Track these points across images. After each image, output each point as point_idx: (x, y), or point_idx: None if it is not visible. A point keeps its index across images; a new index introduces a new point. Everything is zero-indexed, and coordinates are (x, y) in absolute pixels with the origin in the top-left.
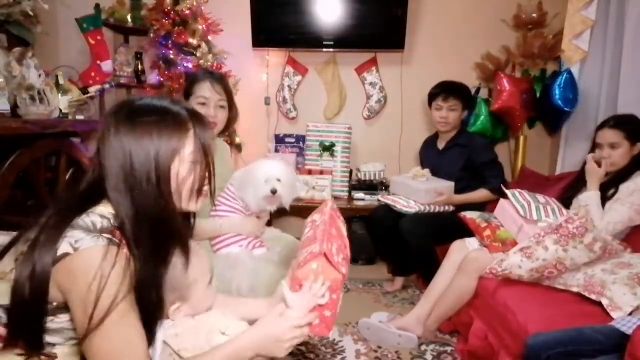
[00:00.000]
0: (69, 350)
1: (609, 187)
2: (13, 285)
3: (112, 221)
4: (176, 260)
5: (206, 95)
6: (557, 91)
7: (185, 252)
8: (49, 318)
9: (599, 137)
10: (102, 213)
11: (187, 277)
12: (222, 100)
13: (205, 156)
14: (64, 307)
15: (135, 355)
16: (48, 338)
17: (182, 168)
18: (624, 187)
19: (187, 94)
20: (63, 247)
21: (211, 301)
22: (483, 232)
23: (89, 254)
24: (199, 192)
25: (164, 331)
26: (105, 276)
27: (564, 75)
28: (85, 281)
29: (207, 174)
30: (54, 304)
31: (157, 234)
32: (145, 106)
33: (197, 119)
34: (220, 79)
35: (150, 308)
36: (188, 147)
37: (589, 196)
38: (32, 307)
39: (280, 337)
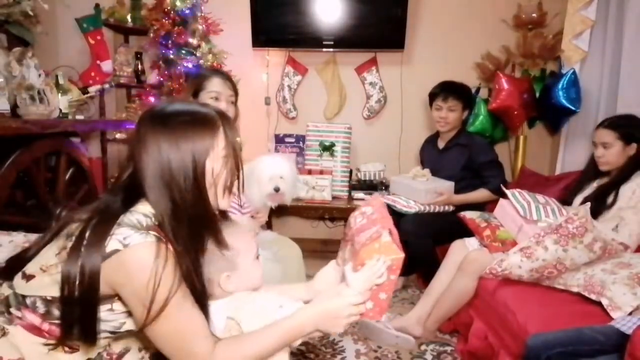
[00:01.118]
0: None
1: (608, 190)
2: (62, 283)
3: (153, 220)
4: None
5: (219, 90)
6: (561, 91)
7: (220, 241)
8: None
9: (594, 136)
10: (144, 212)
11: (233, 246)
12: (232, 96)
13: (234, 151)
14: (105, 299)
15: (197, 333)
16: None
17: (216, 164)
18: (626, 189)
19: (196, 90)
20: (112, 244)
21: (260, 276)
22: (483, 232)
23: (140, 249)
24: (230, 188)
25: (224, 307)
26: (160, 273)
27: (569, 75)
28: (141, 278)
29: (236, 170)
30: (99, 297)
31: (195, 228)
32: (176, 109)
33: (225, 117)
34: (229, 77)
35: (196, 293)
36: (220, 144)
37: None
38: (83, 303)
39: (338, 313)
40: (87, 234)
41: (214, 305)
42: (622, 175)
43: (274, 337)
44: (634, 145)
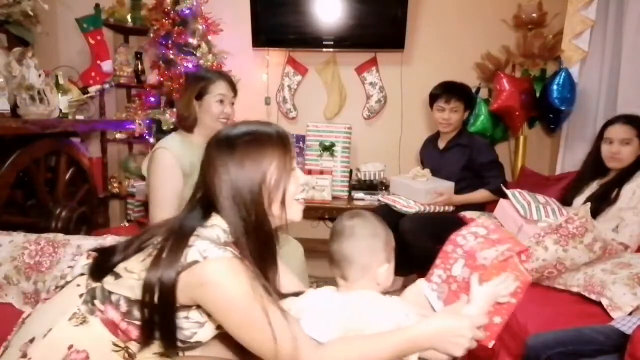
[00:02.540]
0: (150, 354)
1: (611, 189)
2: (143, 289)
3: (229, 236)
4: (381, 223)
5: (225, 93)
6: (554, 90)
7: (274, 259)
8: None
9: (609, 132)
10: (222, 227)
11: (392, 241)
12: (234, 98)
13: (293, 168)
14: (184, 307)
15: (292, 334)
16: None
17: (277, 181)
18: (627, 190)
19: (201, 93)
20: (191, 255)
21: (393, 278)
22: None
23: (219, 263)
24: (294, 202)
25: (353, 300)
26: (245, 289)
27: (562, 74)
28: (223, 292)
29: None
30: (176, 305)
31: (264, 243)
32: (242, 131)
33: (283, 136)
34: (231, 79)
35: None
36: (278, 162)
37: None
38: (161, 311)
39: (460, 333)
40: (167, 245)
41: (346, 298)
42: (625, 174)
43: (385, 346)
44: None
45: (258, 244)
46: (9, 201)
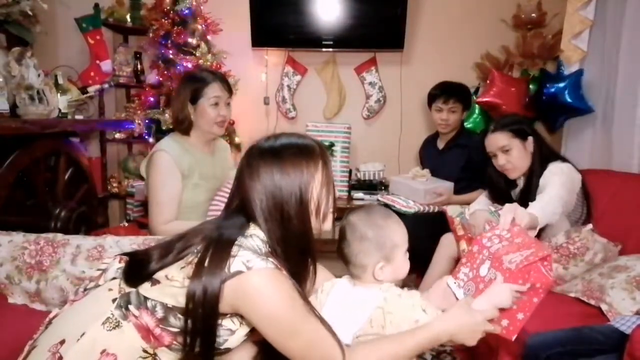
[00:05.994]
0: (175, 356)
1: (529, 193)
2: (187, 298)
3: (267, 247)
4: (383, 222)
5: (219, 95)
6: (573, 94)
7: (314, 266)
8: None
9: (487, 146)
10: (260, 237)
11: (392, 239)
12: (229, 98)
13: (332, 181)
14: (220, 315)
15: (328, 341)
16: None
17: (321, 191)
18: (542, 183)
19: (195, 96)
20: (235, 265)
21: (407, 270)
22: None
23: (263, 274)
24: (329, 213)
25: (374, 296)
26: (286, 299)
27: (577, 75)
28: (266, 303)
29: (333, 196)
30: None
31: (301, 253)
32: (284, 142)
33: (324, 149)
34: (225, 79)
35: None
36: (322, 172)
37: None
38: (205, 319)
39: (476, 328)
40: (208, 255)
41: (364, 293)
42: (534, 173)
43: (410, 345)
44: (531, 140)
45: (296, 254)
46: (9, 201)
